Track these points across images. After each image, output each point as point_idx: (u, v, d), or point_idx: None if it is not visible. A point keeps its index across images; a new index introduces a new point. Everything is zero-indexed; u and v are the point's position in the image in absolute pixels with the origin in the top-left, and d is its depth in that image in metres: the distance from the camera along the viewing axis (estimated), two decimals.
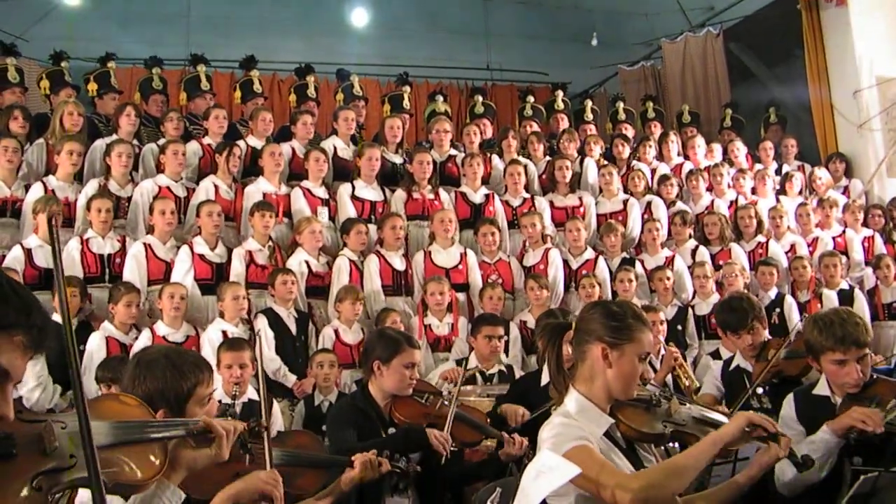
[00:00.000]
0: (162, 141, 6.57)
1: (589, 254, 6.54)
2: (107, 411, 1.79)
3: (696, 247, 6.84)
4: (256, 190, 6.25)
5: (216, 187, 6.21)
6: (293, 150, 6.80)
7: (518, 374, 5.10)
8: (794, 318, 6.07)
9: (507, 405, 3.96)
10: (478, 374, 5.06)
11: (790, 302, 6.31)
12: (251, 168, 6.60)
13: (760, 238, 7.02)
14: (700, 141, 8.16)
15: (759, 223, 7.09)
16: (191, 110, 7.54)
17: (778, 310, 6.27)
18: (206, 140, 6.73)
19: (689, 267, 6.60)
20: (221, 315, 5.31)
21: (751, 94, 9.80)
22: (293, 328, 5.50)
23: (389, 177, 6.93)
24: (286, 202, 6.32)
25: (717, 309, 4.24)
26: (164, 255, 5.70)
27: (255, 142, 6.80)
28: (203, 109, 7.14)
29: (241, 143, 6.69)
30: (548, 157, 7.55)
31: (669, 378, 4.83)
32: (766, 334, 3.91)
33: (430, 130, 7.57)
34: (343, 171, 6.85)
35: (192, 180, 6.43)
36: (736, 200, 7.51)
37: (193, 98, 7.55)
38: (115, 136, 6.46)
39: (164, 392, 2.16)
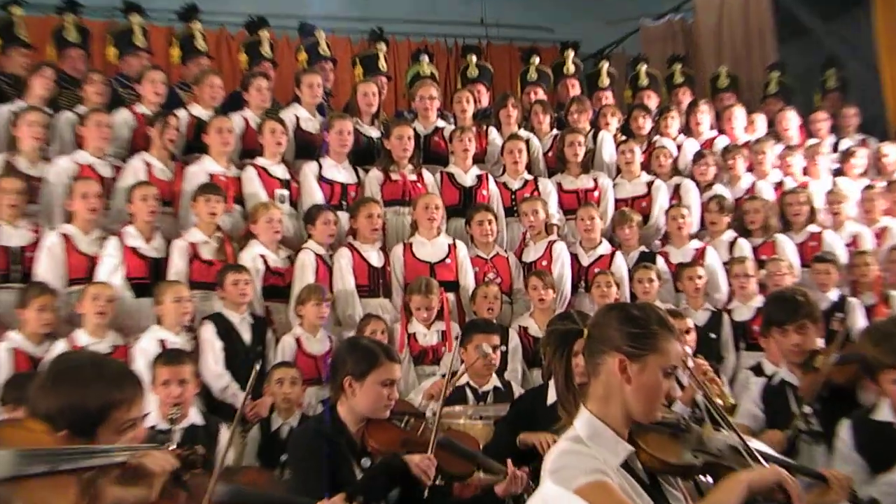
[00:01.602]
0: (82, 108, 6.50)
1: (604, 248, 6.59)
2: (9, 438, 1.78)
3: (735, 238, 6.88)
4: (201, 170, 6.23)
5: (149, 166, 6.20)
6: (245, 121, 6.82)
7: (518, 391, 5.12)
8: (860, 325, 6.06)
9: (530, 434, 3.94)
10: (469, 392, 5.07)
11: (854, 304, 6.32)
12: (195, 143, 6.58)
13: (813, 228, 7.06)
14: (739, 111, 8.17)
15: (812, 210, 7.12)
16: (122, 70, 7.46)
17: (840, 315, 6.26)
18: (140, 108, 6.70)
19: (724, 263, 6.63)
20: (159, 321, 5.33)
21: (803, 53, 9.67)
22: (247, 337, 5.52)
23: (364, 154, 6.92)
24: (237, 185, 6.32)
25: (765, 303, 4.23)
26: (87, 249, 5.68)
27: (200, 111, 6.79)
28: (136, 70, 7.09)
29: (181, 112, 6.70)
30: (555, 131, 7.56)
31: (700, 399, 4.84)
32: (818, 342, 3.90)
33: (412, 98, 7.57)
34: (307, 148, 6.86)
35: (123, 157, 6.41)
36: (782, 183, 7.55)
37: (125, 56, 7.47)
38: (24, 102, 6.40)
39: (67, 410, 2.10)
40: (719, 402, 4.68)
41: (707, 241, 6.87)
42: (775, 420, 3.76)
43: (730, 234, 6.93)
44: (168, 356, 4.43)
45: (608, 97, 8.43)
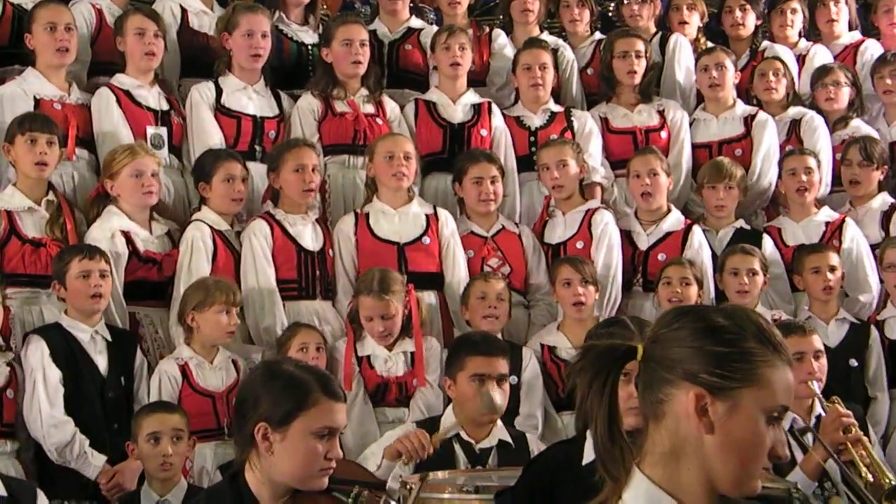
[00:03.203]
0: None
1: (673, 221, 6.65)
2: None
3: (894, 207, 6.93)
4: (20, 91, 6.28)
5: None
6: (98, 13, 6.87)
7: (536, 448, 5.15)
8: None
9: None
10: (459, 449, 5.10)
11: None
12: (12, 48, 6.64)
13: None
14: None
15: None
16: None
17: None
18: None
19: (873, 246, 6.68)
20: None
21: None
22: (101, 363, 5.57)
23: (291, 72, 6.98)
24: (84, 115, 6.36)
25: None
26: None
27: None
28: None
29: None
30: (598, 35, 7.60)
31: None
32: None
33: None
34: (199, 59, 6.94)
35: None
36: None
37: None
38: None
39: None
40: (867, 475, 4.69)
41: (846, 212, 6.91)
42: None
43: (883, 200, 6.97)
44: None
45: None
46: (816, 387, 5.32)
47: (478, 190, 6.36)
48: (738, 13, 7.77)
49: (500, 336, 5.71)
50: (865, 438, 4.97)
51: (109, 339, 5.60)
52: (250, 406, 3.40)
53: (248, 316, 5.97)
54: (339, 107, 6.66)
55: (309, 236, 6.17)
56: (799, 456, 4.85)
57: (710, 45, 7.63)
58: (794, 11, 7.91)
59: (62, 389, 5.38)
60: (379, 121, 6.69)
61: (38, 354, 5.39)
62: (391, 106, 6.82)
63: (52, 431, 5.30)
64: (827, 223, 6.75)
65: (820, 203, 6.89)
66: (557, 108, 7.03)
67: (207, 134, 6.45)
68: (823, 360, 5.52)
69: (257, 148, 6.52)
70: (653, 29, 7.64)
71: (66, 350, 5.44)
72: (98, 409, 5.44)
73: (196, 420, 5.37)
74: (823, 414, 5.07)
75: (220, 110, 6.54)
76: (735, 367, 2.24)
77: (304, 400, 3.33)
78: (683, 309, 2.44)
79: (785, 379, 2.26)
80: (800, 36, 7.97)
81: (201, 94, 6.56)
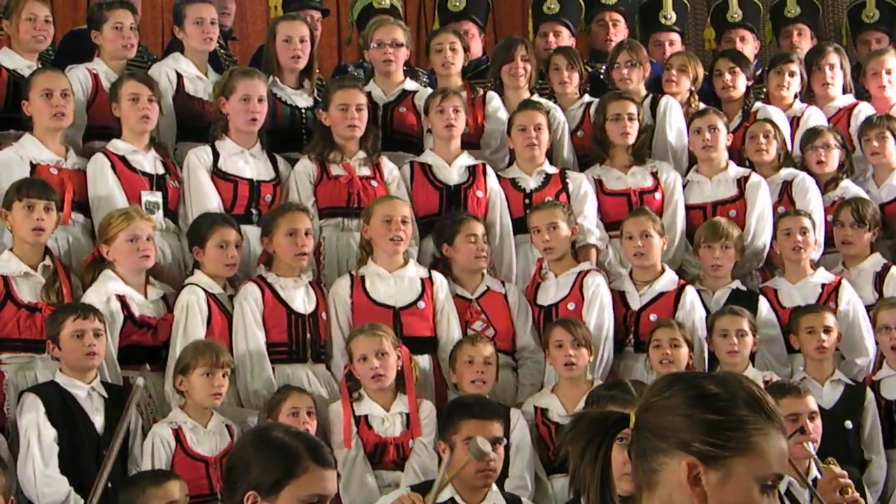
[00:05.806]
0: None
1: (666, 282, 6.63)
2: None
3: (886, 268, 6.92)
4: (16, 157, 6.29)
5: None
6: (94, 78, 6.87)
7: None
8: None
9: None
10: None
11: None
12: (9, 113, 6.67)
13: None
14: (894, 60, 8.09)
15: None
16: None
17: None
18: None
19: (868, 307, 6.67)
20: None
21: None
22: (98, 421, 5.59)
23: (286, 135, 7.04)
24: (79, 180, 6.38)
25: None
26: None
27: (15, 60, 6.83)
28: None
29: None
30: (588, 97, 7.61)
31: None
32: None
33: (364, 44, 7.60)
34: (194, 123, 6.98)
35: None
36: None
37: None
38: None
39: None
40: None
41: (839, 273, 6.90)
42: None
43: (876, 261, 6.98)
44: None
45: (674, 42, 8.44)
46: (812, 448, 5.31)
47: (470, 252, 6.38)
48: (727, 76, 7.76)
49: (487, 396, 5.70)
50: (862, 501, 4.94)
51: (106, 395, 5.60)
52: (240, 473, 3.32)
53: (239, 380, 5.96)
54: (335, 170, 6.68)
55: (300, 299, 6.16)
56: None
57: (701, 105, 7.64)
58: (792, 74, 7.91)
59: (56, 448, 5.38)
60: (374, 183, 6.70)
61: (32, 412, 5.39)
62: (389, 168, 6.82)
63: (45, 490, 5.31)
64: (823, 285, 6.75)
65: (815, 264, 6.88)
66: (553, 170, 7.03)
67: (206, 197, 6.46)
68: (818, 422, 5.54)
69: (254, 212, 6.54)
70: (643, 92, 7.63)
71: (62, 408, 5.45)
72: (94, 467, 5.33)
73: (189, 485, 5.31)
74: (819, 476, 5.05)
75: (217, 174, 6.55)
76: (727, 435, 2.24)
77: (294, 468, 3.23)
78: (676, 376, 2.43)
79: (778, 447, 2.26)
80: (795, 98, 7.97)
81: (199, 157, 6.57)
